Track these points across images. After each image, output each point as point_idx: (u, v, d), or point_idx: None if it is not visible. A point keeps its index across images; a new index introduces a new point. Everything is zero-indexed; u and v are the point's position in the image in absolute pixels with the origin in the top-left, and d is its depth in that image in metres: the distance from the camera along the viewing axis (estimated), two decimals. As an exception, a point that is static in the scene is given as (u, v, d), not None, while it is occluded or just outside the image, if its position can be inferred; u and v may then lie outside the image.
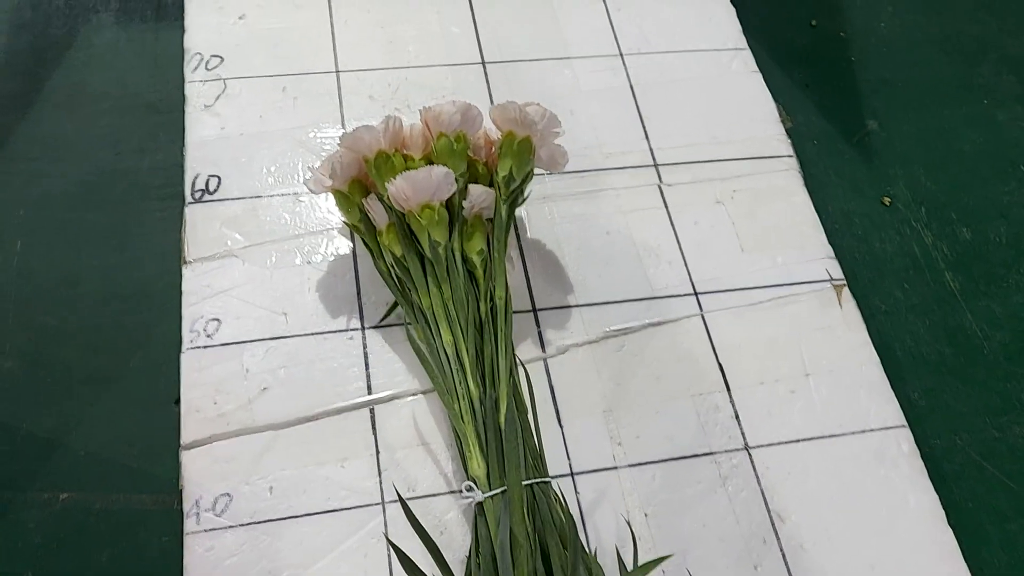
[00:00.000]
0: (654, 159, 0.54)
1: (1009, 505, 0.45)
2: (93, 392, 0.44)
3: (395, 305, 0.46)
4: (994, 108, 0.60)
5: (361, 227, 0.44)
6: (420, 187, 0.40)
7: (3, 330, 0.45)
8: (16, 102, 0.53)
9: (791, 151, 0.55)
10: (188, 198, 0.49)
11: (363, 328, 0.46)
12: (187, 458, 0.42)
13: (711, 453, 0.44)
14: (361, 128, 0.42)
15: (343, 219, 0.46)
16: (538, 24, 0.58)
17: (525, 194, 0.46)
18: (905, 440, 0.45)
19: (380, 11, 0.58)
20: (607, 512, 0.42)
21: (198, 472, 0.42)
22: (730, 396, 0.46)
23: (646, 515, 0.42)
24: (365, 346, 0.46)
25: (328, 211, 0.49)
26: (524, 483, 0.39)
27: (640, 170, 0.53)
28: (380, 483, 0.42)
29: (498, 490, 0.38)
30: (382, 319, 0.46)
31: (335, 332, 0.46)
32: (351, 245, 0.48)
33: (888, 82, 0.60)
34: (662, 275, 0.49)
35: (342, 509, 0.41)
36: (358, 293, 0.47)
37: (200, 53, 0.54)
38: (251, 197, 0.50)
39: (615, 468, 0.43)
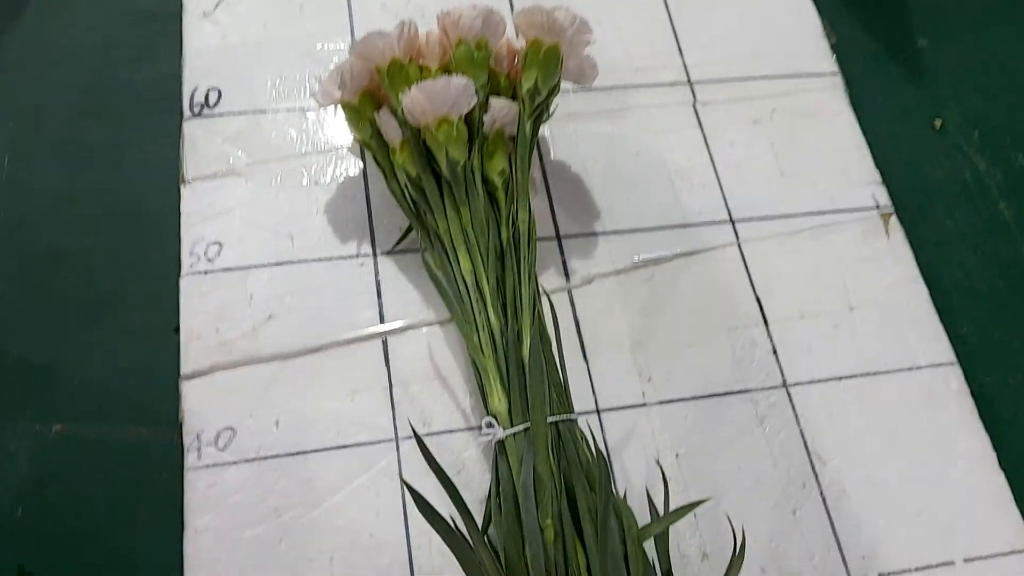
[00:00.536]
0: (688, 75, 0.50)
1: (1064, 449, 0.42)
2: (87, 318, 0.41)
3: (409, 229, 0.43)
4: (1055, 25, 0.55)
5: (373, 144, 0.40)
6: (437, 99, 0.37)
7: (-10, 252, 0.42)
8: (3, 8, 0.49)
9: (835, 68, 0.51)
10: (187, 112, 0.46)
11: (375, 254, 0.43)
12: (187, 389, 0.39)
13: (747, 391, 0.41)
14: (373, 34, 0.38)
15: (353, 135, 0.42)
16: (563, -72, 0.54)
17: (551, 109, 0.42)
18: (955, 378, 0.42)
19: (392, -88, 0.53)
20: (635, 452, 0.39)
21: (199, 404, 0.39)
22: (768, 331, 0.43)
23: (677, 456, 0.40)
24: (377, 273, 0.42)
25: (337, 128, 0.46)
26: (549, 420, 0.36)
27: (672, 87, 0.49)
28: (393, 418, 0.39)
29: (520, 427, 0.36)
30: (395, 244, 0.43)
31: (345, 258, 0.43)
32: (362, 165, 0.45)
33: (941, -4, 0.56)
34: (695, 201, 0.46)
35: (353, 445, 0.39)
36: (369, 216, 0.44)
37: (198, -44, 0.50)
38: (254, 112, 0.46)
39: (644, 405, 0.41)
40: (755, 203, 0.46)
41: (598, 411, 0.40)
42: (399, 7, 0.50)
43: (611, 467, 0.39)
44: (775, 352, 0.42)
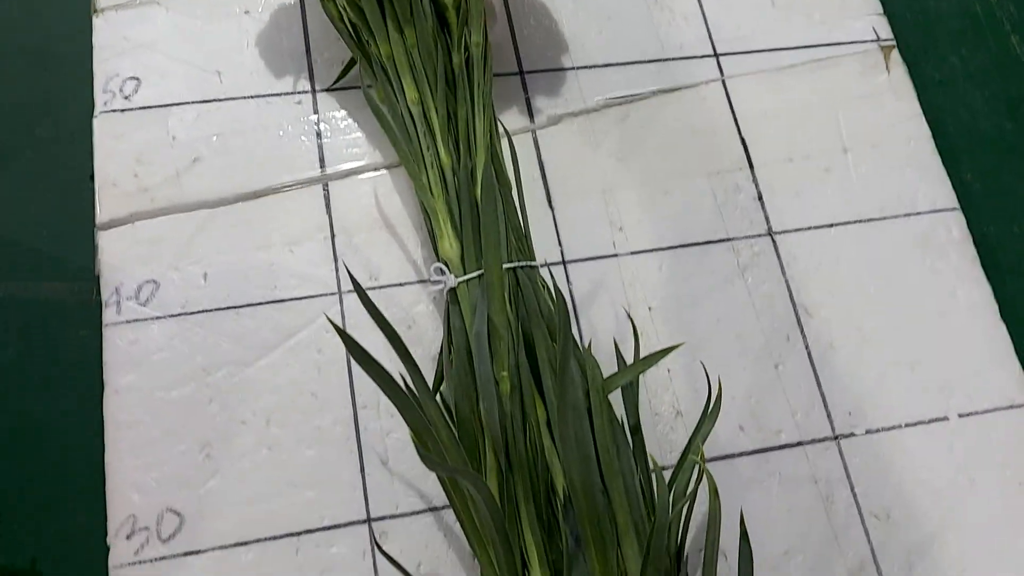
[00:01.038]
0: None
1: (1070, 301, 0.38)
2: (-8, 166, 0.37)
3: (351, 63, 0.38)
4: None
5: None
6: None
7: None
8: None
9: None
10: (98, -67, 0.40)
11: (314, 91, 0.38)
12: (104, 239, 0.35)
13: (729, 239, 0.37)
14: None
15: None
16: None
17: None
18: (956, 225, 0.39)
19: None
20: (604, 305, 0.36)
21: (118, 256, 0.35)
22: (753, 175, 0.39)
23: (650, 309, 0.36)
24: (317, 112, 0.38)
25: (270, -50, 0.40)
26: (505, 266, 0.32)
27: (652, -92, 0.44)
28: (336, 270, 0.35)
29: (474, 274, 0.32)
30: (336, 80, 0.38)
31: (280, 95, 0.38)
32: (298, -9, 0.40)
33: None
34: (676, 32, 0.41)
35: (291, 299, 0.35)
36: (307, 49, 0.39)
37: None
38: (175, -68, 0.40)
39: (615, 256, 0.37)
40: (743, 35, 0.41)
41: (564, 262, 0.36)
42: None
43: (578, 321, 0.36)
44: (760, 198, 0.38)
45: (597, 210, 0.38)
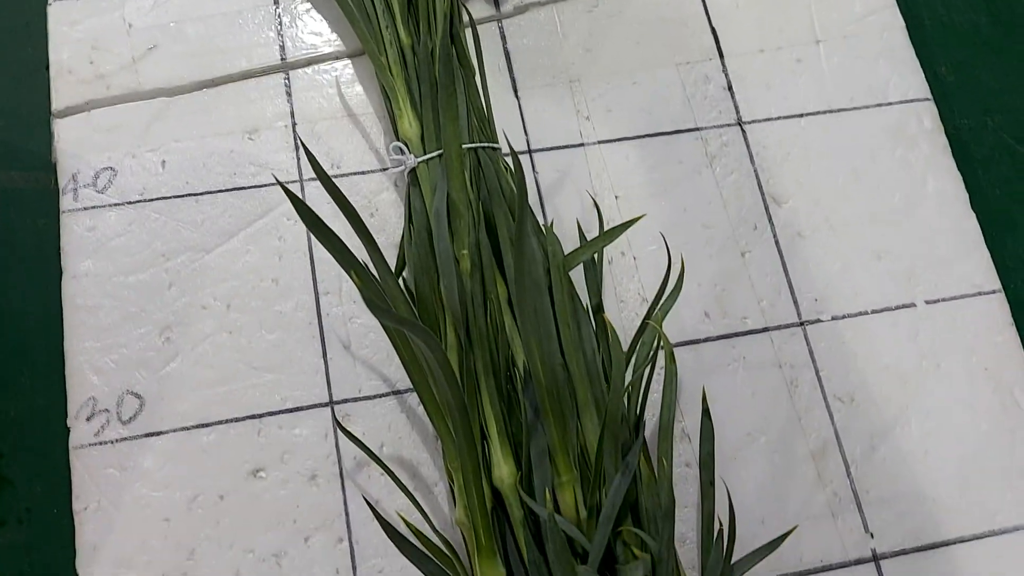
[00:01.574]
0: None
1: (1042, 193, 0.38)
2: (-55, 55, 0.36)
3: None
4: None
5: None
6: None
7: None
8: None
9: None
10: None
11: (274, -22, 0.37)
12: (60, 127, 0.34)
13: (697, 129, 0.37)
14: None
15: None
16: None
17: None
18: (928, 115, 0.38)
19: None
20: (571, 194, 0.35)
21: (74, 143, 0.34)
22: (723, 65, 0.38)
23: (617, 197, 0.36)
24: (277, 1, 0.37)
25: None
26: (466, 146, 0.31)
27: None
28: (297, 158, 0.35)
29: (433, 153, 0.31)
30: (297, -34, 0.37)
31: (240, -18, 0.37)
32: None
33: None
34: (646, -78, 0.40)
35: (251, 187, 0.34)
36: (268, -64, 0.38)
37: None
38: None
39: (582, 145, 0.36)
40: (714, -75, 0.40)
41: (530, 151, 0.36)
42: None
43: (544, 210, 0.35)
44: (730, 88, 0.38)
45: (564, 100, 0.37)
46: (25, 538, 0.30)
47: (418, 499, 0.29)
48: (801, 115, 0.38)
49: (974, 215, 0.37)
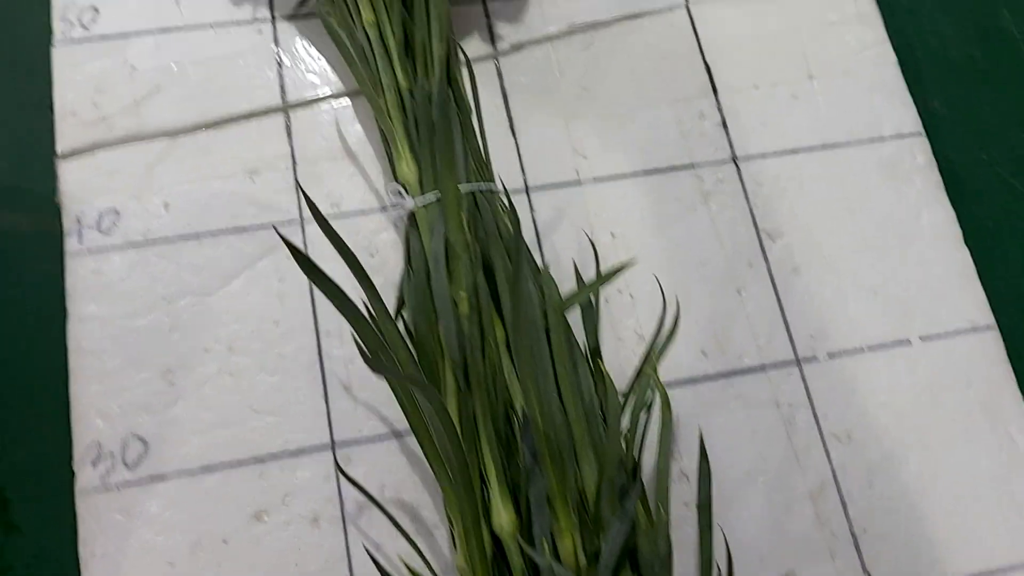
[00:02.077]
0: None
1: (1035, 226, 0.38)
2: (-50, 98, 0.36)
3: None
4: None
5: None
6: None
7: None
8: None
9: None
10: None
11: (274, 19, 0.38)
12: (65, 169, 0.35)
13: (693, 166, 0.37)
14: None
15: None
16: None
17: None
18: (921, 150, 0.39)
19: None
20: (568, 232, 0.36)
21: (79, 185, 0.35)
22: (718, 101, 0.39)
23: (613, 235, 0.36)
24: (277, 40, 0.37)
25: None
26: (464, 189, 0.32)
27: None
28: (298, 198, 0.35)
29: (432, 195, 0.32)
30: (297, 6, 0.38)
31: (241, 23, 0.38)
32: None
33: None
34: (642, -41, 0.41)
35: (252, 228, 0.35)
36: (268, -23, 0.38)
37: None
38: None
39: (578, 184, 0.37)
40: (708, -38, 0.41)
41: (527, 189, 0.36)
42: None
43: (540, 247, 0.35)
44: (724, 124, 0.38)
45: (560, 137, 0.37)
46: (31, 582, 0.30)
47: (419, 543, 0.30)
48: (796, 151, 0.38)
49: (967, 249, 0.37)
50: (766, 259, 0.36)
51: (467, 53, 0.37)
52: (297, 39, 0.37)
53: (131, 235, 0.34)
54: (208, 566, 0.30)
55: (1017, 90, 0.41)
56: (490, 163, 0.34)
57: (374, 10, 0.33)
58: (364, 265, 0.29)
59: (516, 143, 0.37)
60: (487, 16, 0.39)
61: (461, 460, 0.27)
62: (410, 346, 0.30)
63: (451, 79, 0.34)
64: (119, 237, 0.34)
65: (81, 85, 0.36)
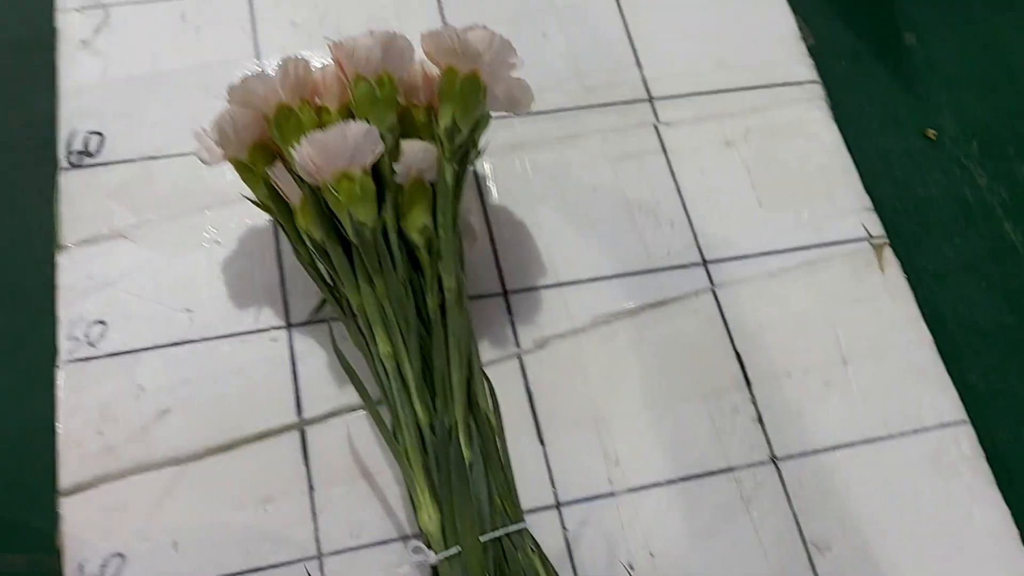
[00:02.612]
0: (648, 91, 0.43)
1: (1092, 514, 0.36)
2: (-52, 421, 0.35)
3: (324, 302, 0.36)
4: (1055, 13, 0.49)
5: (271, 205, 0.34)
6: (333, 152, 0.30)
7: None
8: None
9: (814, 75, 0.45)
10: (63, 162, 0.39)
11: (289, 326, 0.37)
12: (68, 507, 0.33)
13: (730, 469, 0.36)
14: (253, 78, 0.31)
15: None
16: (500, -77, 0.47)
17: (479, 147, 0.35)
18: (965, 439, 0.37)
19: (302, -88, 0.46)
20: (601, 551, 0.34)
21: (82, 525, 0.33)
22: (751, 394, 0.37)
23: (652, 555, 0.34)
24: (292, 350, 0.36)
25: (241, 174, 0.39)
26: (488, 537, 0.30)
27: (631, 106, 0.43)
28: (315, 528, 0.33)
29: (454, 550, 0.30)
30: (312, 315, 0.37)
31: (254, 332, 0.36)
32: (271, 219, 0.38)
33: (927, -17, 0.50)
34: (662, 240, 0.40)
35: (268, 567, 0.32)
36: (281, 281, 0.37)
37: (74, -27, 0.43)
38: (142, 159, 0.39)
39: (611, 494, 0.35)
40: (730, 240, 0.40)
41: (558, 505, 0.34)
42: (311, 24, 0.43)
43: (575, 571, 0.33)
44: (760, 419, 0.37)
45: (590, 442, 0.36)
46: None
47: None
48: (835, 447, 0.36)
49: (1026, 551, 0.35)
50: (815, 573, 0.34)
51: (490, 356, 0.36)
52: (313, 346, 0.36)
53: (137, 583, 0.32)
54: None
55: (1054, 358, 0.40)
56: (517, 499, 0.32)
57: (391, 341, 0.32)
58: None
59: (545, 452, 0.35)
60: (509, 311, 0.38)
61: None
62: None
63: (473, 403, 0.33)
64: (124, 586, 0.32)
65: (87, 411, 0.34)
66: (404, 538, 0.33)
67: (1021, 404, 0.39)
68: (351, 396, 0.35)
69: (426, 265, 0.33)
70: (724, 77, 0.44)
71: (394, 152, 0.32)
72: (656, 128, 0.42)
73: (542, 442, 0.35)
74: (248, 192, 0.35)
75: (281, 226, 0.34)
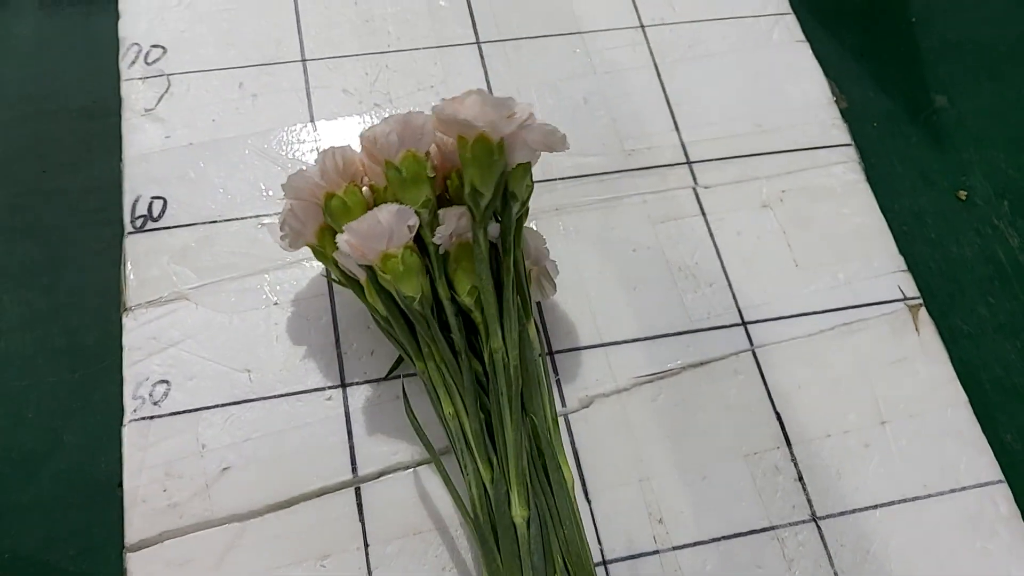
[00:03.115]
0: (686, 155, 0.45)
1: None
2: (19, 476, 0.36)
3: (399, 361, 0.38)
4: (1082, 74, 0.51)
5: (347, 282, 0.35)
6: (370, 237, 0.32)
7: (-95, 404, 0.37)
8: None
9: (848, 138, 0.46)
10: (128, 226, 0.41)
11: (343, 385, 0.38)
12: (133, 562, 0.34)
13: (773, 528, 0.36)
14: (295, 175, 0.33)
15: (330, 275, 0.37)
16: (542, -9, 0.49)
17: (519, 199, 0.36)
18: (1003, 499, 0.38)
19: (353, -18, 0.48)
20: (649, 610, 0.35)
21: (147, 581, 0.34)
22: (791, 453, 0.38)
23: (697, 614, 0.35)
24: (347, 408, 0.37)
25: (297, 237, 0.41)
26: (547, 596, 0.31)
27: (670, 169, 0.44)
28: (370, 586, 0.34)
29: (514, 607, 0.31)
30: (388, 374, 0.38)
31: (310, 391, 0.38)
32: (326, 281, 0.40)
33: (957, 46, 0.51)
34: (702, 301, 0.41)
35: (328, 625, 0.34)
36: (336, 341, 0.39)
37: (138, 43, 0.45)
38: (204, 223, 0.41)
39: (657, 552, 0.36)
40: (768, 301, 0.41)
41: (604, 563, 0.35)
42: (363, 91, 0.45)
43: (622, 629, 0.34)
44: (801, 479, 0.37)
45: (635, 500, 0.37)
46: None
47: None
48: (875, 506, 0.37)
49: (1066, 615, 0.35)
50: (857, 635, 0.35)
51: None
52: (366, 404, 0.37)
53: (201, 639, 0.33)
54: None
55: (1089, 418, 0.40)
56: (586, 555, 0.33)
57: (452, 402, 0.33)
58: None
59: (591, 509, 0.36)
60: (555, 371, 0.39)
61: None
62: None
63: (541, 457, 0.34)
64: (189, 641, 0.33)
65: (152, 468, 0.36)
66: (457, 596, 0.34)
67: (1057, 464, 0.39)
68: (404, 454, 0.37)
69: (480, 324, 0.35)
70: (760, 140, 0.45)
71: (433, 222, 0.34)
72: (695, 191, 0.44)
73: (588, 500, 0.36)
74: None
75: (360, 298, 0.36)
